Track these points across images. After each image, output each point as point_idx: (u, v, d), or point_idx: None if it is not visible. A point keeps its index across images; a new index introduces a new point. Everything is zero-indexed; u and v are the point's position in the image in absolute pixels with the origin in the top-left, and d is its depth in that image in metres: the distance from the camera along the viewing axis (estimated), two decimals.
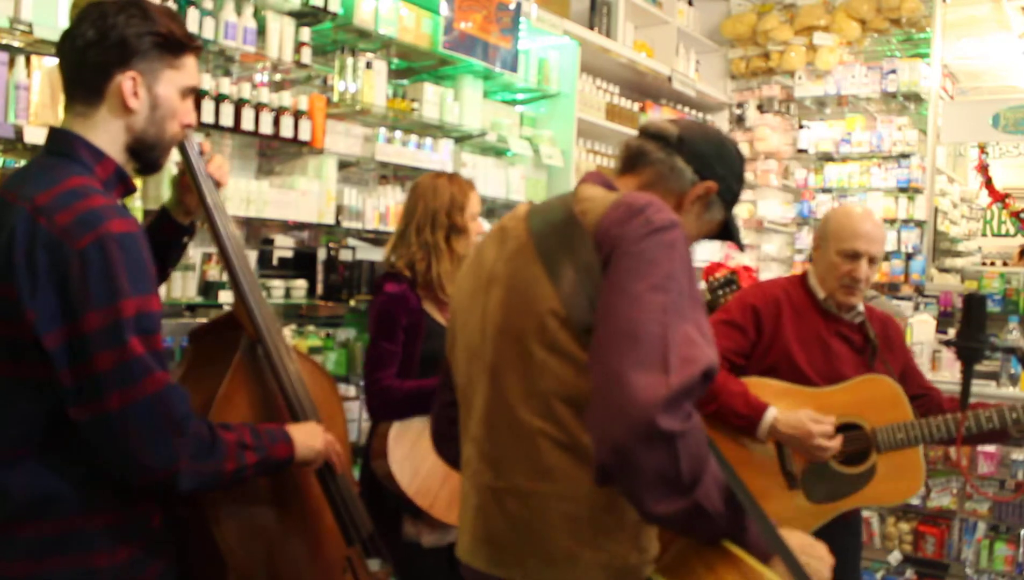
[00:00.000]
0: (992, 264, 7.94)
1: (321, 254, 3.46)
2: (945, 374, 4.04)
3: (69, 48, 1.46)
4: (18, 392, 1.37)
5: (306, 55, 3.28)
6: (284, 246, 3.46)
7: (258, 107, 3.11)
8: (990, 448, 3.75)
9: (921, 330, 4.09)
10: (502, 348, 1.35)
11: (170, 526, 1.54)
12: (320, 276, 3.46)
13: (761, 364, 2.40)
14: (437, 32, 3.79)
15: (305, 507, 1.80)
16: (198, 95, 2.83)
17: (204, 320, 3.01)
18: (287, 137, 3.22)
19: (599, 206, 1.32)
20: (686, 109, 6.06)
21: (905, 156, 6.02)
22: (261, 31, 3.16)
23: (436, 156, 3.84)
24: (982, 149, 7.89)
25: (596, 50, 4.91)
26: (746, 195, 5.99)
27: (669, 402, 1.11)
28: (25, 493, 1.36)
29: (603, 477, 1.17)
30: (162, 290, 1.93)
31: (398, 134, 3.70)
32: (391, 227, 3.63)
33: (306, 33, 3.29)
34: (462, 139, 4.08)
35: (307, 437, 1.66)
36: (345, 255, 3.53)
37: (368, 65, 3.54)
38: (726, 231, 1.53)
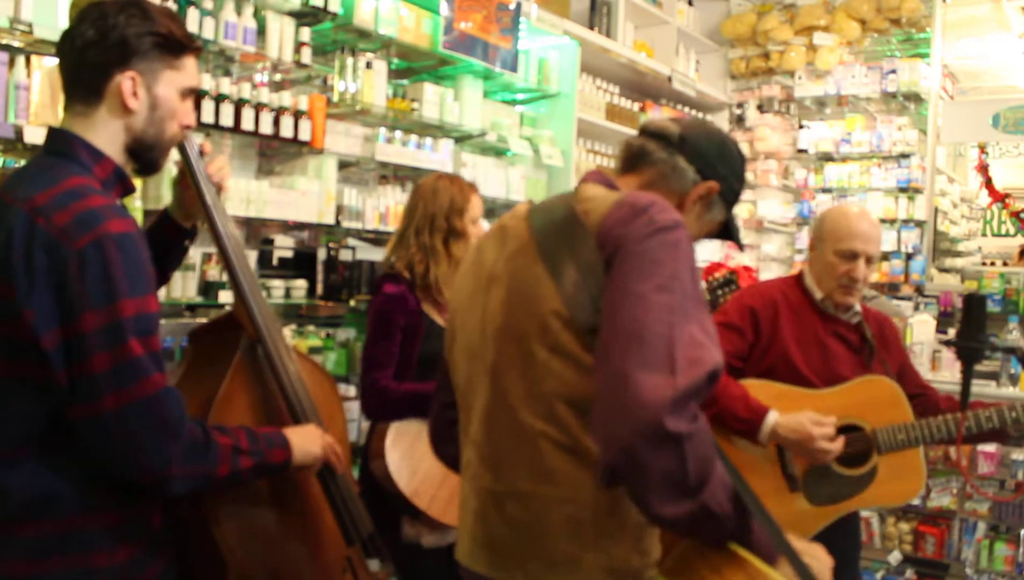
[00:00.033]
0: (992, 264, 7.94)
1: (321, 254, 3.47)
2: (945, 374, 4.04)
3: (69, 48, 1.46)
4: (18, 392, 1.36)
5: (306, 55, 3.28)
6: (284, 246, 3.46)
7: (258, 107, 3.11)
8: (990, 448, 3.75)
9: (921, 330, 4.09)
10: (503, 349, 1.34)
11: (170, 526, 1.54)
12: (320, 276, 3.46)
13: (759, 366, 2.40)
14: (437, 32, 3.79)
15: (305, 507, 1.80)
16: (198, 95, 2.82)
17: (204, 320, 3.01)
18: (287, 137, 3.22)
19: (602, 206, 1.31)
20: (686, 109, 6.06)
21: (905, 156, 6.02)
22: (261, 31, 3.16)
23: (436, 156, 3.84)
24: (982, 149, 7.89)
25: (596, 50, 4.90)
26: (746, 195, 5.98)
27: (676, 403, 1.10)
28: (25, 493, 1.35)
29: (609, 479, 1.16)
30: (162, 290, 1.93)
31: (398, 134, 3.70)
32: (391, 227, 3.63)
33: (306, 33, 3.29)
34: (462, 139, 4.08)
35: (305, 442, 1.66)
36: (345, 255, 3.53)
37: (368, 65, 3.54)
38: (726, 231, 1.52)
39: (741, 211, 6.32)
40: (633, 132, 1.52)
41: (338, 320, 3.74)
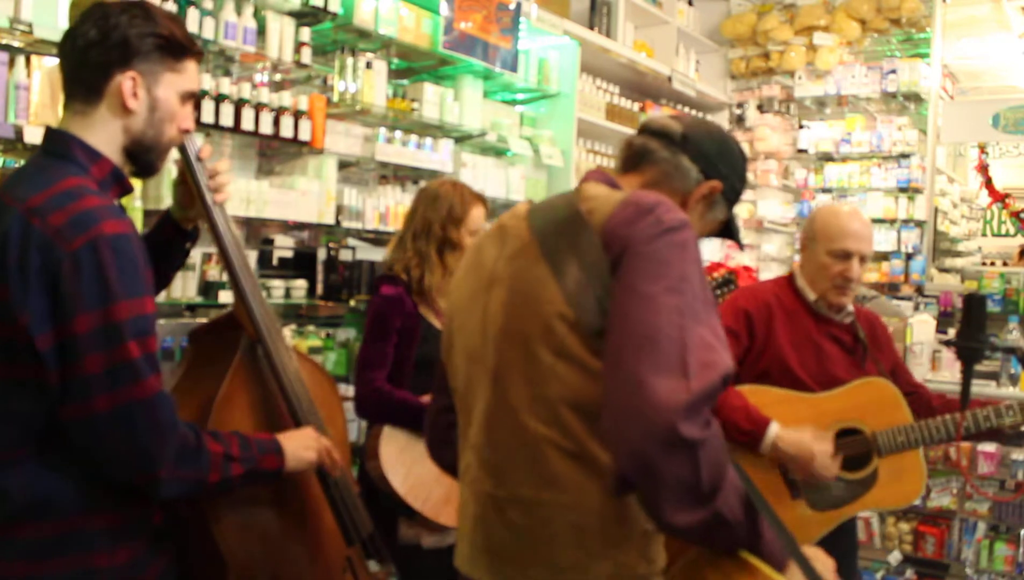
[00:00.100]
0: (992, 264, 7.94)
1: (321, 254, 3.47)
2: (945, 374, 4.04)
3: (70, 47, 1.46)
4: (17, 394, 1.36)
5: (306, 55, 3.28)
6: (284, 246, 3.46)
7: (258, 107, 3.11)
8: (990, 448, 3.75)
9: (921, 330, 4.08)
10: (505, 352, 1.30)
11: (170, 526, 1.54)
12: (320, 276, 3.46)
13: (754, 369, 2.38)
14: (437, 32, 3.78)
15: (305, 507, 1.80)
16: (198, 96, 2.82)
17: (204, 320, 3.01)
18: (287, 137, 3.22)
19: (606, 205, 1.28)
20: (686, 109, 6.06)
21: (905, 156, 6.02)
22: (261, 31, 3.16)
23: (436, 156, 3.84)
24: (982, 149, 7.89)
25: (596, 50, 4.90)
26: (746, 195, 5.96)
27: (690, 408, 1.08)
28: (25, 494, 1.35)
29: (621, 486, 1.13)
30: (162, 290, 1.93)
31: (398, 134, 3.70)
32: (391, 227, 3.63)
33: (306, 33, 3.29)
34: (462, 139, 4.08)
35: (299, 448, 1.65)
36: (345, 255, 3.53)
37: (368, 65, 3.54)
38: (727, 230, 1.51)
39: (741, 211, 6.32)
40: (633, 132, 1.50)
41: (338, 320, 3.74)
